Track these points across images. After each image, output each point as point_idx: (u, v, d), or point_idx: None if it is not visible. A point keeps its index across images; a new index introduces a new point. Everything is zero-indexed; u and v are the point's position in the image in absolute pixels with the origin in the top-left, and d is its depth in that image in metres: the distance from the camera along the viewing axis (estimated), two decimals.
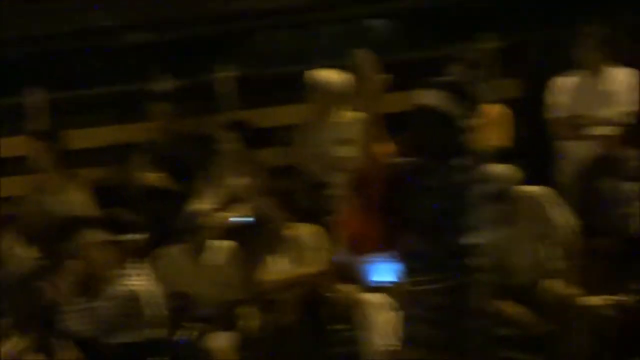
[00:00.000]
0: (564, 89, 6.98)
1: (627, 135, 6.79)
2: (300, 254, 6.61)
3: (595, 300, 6.31)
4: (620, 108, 6.85)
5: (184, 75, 7.79)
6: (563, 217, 6.26)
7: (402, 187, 4.56)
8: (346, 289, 6.35)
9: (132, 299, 5.89)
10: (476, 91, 6.60)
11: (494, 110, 6.83)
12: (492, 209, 6.08)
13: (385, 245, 4.68)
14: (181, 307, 6.47)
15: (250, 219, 6.95)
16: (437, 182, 4.53)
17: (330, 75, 6.99)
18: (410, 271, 4.57)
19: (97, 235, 6.17)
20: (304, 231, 6.65)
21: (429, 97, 4.60)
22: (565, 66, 7.03)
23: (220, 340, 6.41)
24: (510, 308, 6.13)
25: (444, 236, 4.54)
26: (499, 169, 6.12)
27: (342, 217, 5.30)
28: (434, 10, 8.05)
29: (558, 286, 6.18)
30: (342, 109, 6.99)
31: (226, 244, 6.69)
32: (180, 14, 7.84)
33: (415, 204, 4.54)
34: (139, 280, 5.82)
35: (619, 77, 6.95)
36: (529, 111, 7.30)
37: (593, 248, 6.49)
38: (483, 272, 5.35)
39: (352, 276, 6.20)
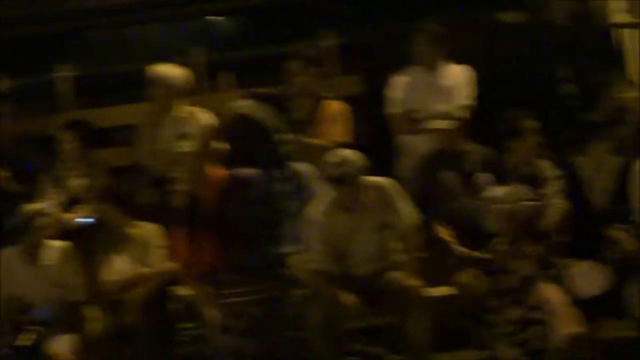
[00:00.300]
0: (401, 85, 7.11)
1: (464, 129, 6.95)
2: (142, 253, 6.54)
3: (436, 291, 6.43)
4: (456, 102, 7.01)
5: (21, 74, 7.64)
6: (407, 208, 6.33)
7: (229, 199, 4.56)
8: (191, 287, 6.31)
9: None
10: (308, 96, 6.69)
11: (334, 107, 6.89)
12: (336, 193, 6.10)
13: (214, 259, 4.66)
14: (18, 310, 6.32)
15: (91, 219, 6.85)
16: (257, 192, 4.54)
17: (170, 71, 6.98)
18: (229, 283, 4.57)
19: None
20: (146, 230, 6.58)
21: (248, 108, 4.60)
22: (406, 62, 7.15)
23: (61, 344, 6.27)
24: (351, 299, 6.15)
25: (261, 247, 4.55)
26: (345, 153, 6.13)
27: (173, 237, 5.26)
28: (276, 8, 8.09)
29: (400, 277, 6.23)
30: (182, 104, 6.97)
31: (62, 244, 6.56)
32: (15, 12, 7.69)
33: (239, 215, 4.54)
34: None
35: (455, 72, 7.11)
36: (370, 107, 7.40)
37: (433, 240, 6.61)
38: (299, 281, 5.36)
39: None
